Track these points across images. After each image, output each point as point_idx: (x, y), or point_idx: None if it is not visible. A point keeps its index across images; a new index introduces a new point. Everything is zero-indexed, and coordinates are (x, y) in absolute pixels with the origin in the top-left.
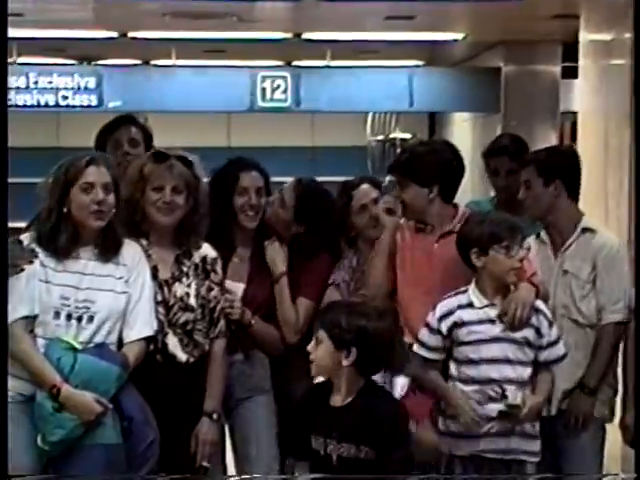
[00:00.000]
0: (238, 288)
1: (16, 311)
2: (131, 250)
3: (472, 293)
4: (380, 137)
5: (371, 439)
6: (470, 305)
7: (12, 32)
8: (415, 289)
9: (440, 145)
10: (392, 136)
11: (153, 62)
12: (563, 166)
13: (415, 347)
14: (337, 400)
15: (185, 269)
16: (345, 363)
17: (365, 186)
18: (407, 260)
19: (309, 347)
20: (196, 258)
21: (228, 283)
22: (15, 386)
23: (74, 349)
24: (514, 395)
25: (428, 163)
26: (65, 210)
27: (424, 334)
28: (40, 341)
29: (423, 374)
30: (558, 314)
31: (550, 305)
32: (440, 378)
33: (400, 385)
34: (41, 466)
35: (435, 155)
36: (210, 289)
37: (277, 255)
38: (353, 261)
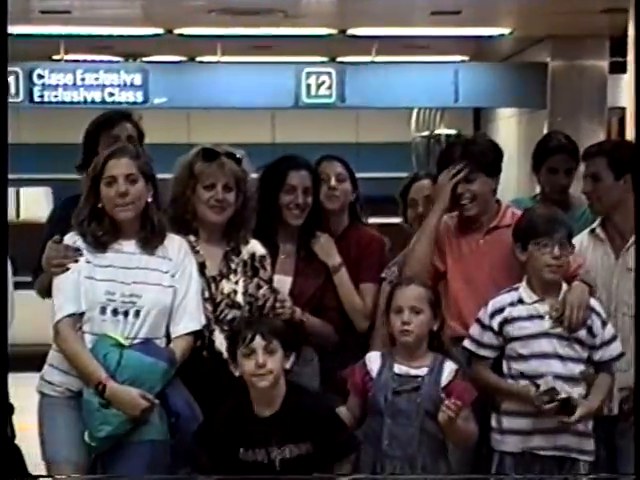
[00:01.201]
0: (286, 282)
1: (63, 309)
2: (176, 245)
3: (523, 289)
4: (425, 133)
5: (309, 435)
6: (520, 301)
7: (60, 29)
8: (464, 285)
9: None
10: (437, 132)
11: (198, 59)
12: (632, 160)
13: (466, 342)
14: (264, 410)
15: (233, 266)
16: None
17: (424, 181)
18: (454, 256)
19: (261, 360)
20: (245, 255)
21: (276, 277)
22: (63, 382)
23: (121, 345)
24: (561, 388)
25: (496, 154)
26: (100, 205)
27: (475, 330)
28: (88, 337)
29: (474, 371)
30: (620, 313)
31: (611, 303)
32: (492, 373)
33: (448, 371)
34: (89, 462)
35: (498, 147)
36: (259, 286)
37: (329, 247)
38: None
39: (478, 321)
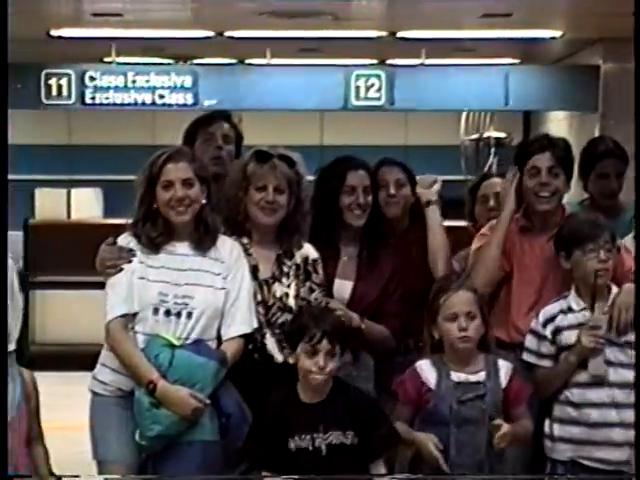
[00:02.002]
0: (347, 286)
1: (115, 309)
2: (228, 247)
3: (572, 297)
4: (474, 136)
5: (353, 424)
6: (570, 309)
7: (111, 32)
8: (525, 289)
9: None
10: (486, 135)
11: (248, 61)
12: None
13: (525, 355)
14: (311, 398)
15: (286, 269)
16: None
17: (495, 179)
18: (518, 258)
19: (322, 362)
20: (297, 258)
21: (337, 282)
22: (115, 381)
23: (172, 346)
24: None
25: (572, 158)
26: (154, 206)
27: (531, 341)
28: (140, 337)
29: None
30: None
31: None
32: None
33: (504, 371)
34: (139, 461)
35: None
36: (311, 290)
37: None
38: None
39: (533, 332)
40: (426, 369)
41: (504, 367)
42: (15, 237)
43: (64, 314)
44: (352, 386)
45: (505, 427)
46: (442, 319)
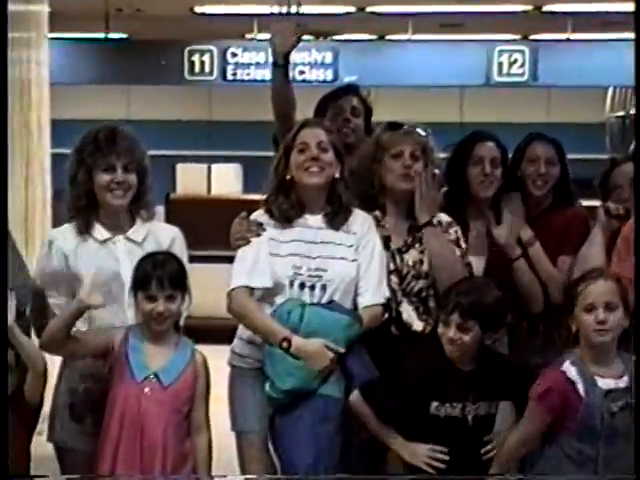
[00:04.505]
0: (479, 262)
1: (238, 279)
2: (360, 219)
3: None
4: (620, 113)
5: (505, 393)
6: None
7: (253, 8)
8: None
9: None
10: (632, 112)
11: (388, 37)
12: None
13: None
14: (464, 366)
15: (419, 235)
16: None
17: (626, 165)
18: None
19: (452, 334)
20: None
21: (469, 258)
22: (252, 354)
23: (303, 304)
24: None
25: None
26: (288, 177)
27: None
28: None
29: None
30: None
31: None
32: None
33: None
34: (265, 423)
35: None
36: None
37: (520, 222)
38: None
39: None
40: (574, 375)
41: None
42: (156, 211)
43: (202, 288)
44: (504, 355)
45: None
46: (579, 310)
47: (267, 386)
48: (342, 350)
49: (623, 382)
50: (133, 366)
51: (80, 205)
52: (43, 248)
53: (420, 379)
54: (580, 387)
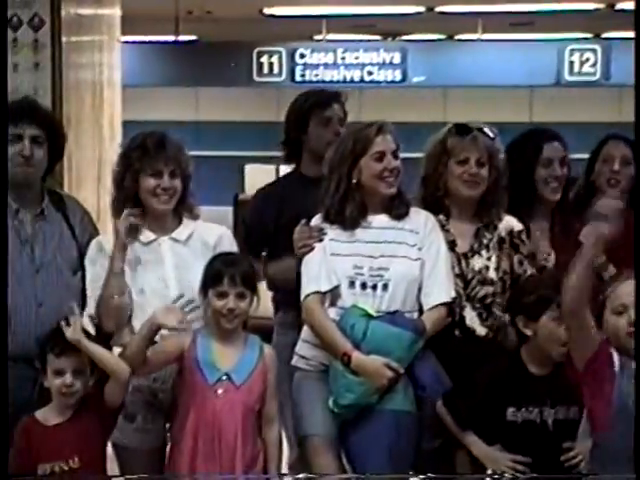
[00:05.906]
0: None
1: (309, 287)
2: (422, 218)
3: None
4: None
5: (580, 399)
6: None
7: (322, 10)
8: None
9: None
10: None
11: (457, 37)
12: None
13: None
14: (539, 370)
15: (485, 241)
16: None
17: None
18: None
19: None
20: (502, 231)
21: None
22: (316, 355)
23: (369, 316)
24: None
25: None
26: (354, 180)
27: None
28: (337, 311)
29: None
30: None
31: None
32: None
33: None
34: (336, 428)
35: None
36: (520, 262)
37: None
38: None
39: None
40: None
41: None
42: (224, 212)
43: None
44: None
45: None
46: (609, 312)
47: (330, 402)
48: (402, 371)
49: None
50: (204, 368)
51: (126, 208)
52: (91, 252)
53: (493, 385)
54: (616, 364)
